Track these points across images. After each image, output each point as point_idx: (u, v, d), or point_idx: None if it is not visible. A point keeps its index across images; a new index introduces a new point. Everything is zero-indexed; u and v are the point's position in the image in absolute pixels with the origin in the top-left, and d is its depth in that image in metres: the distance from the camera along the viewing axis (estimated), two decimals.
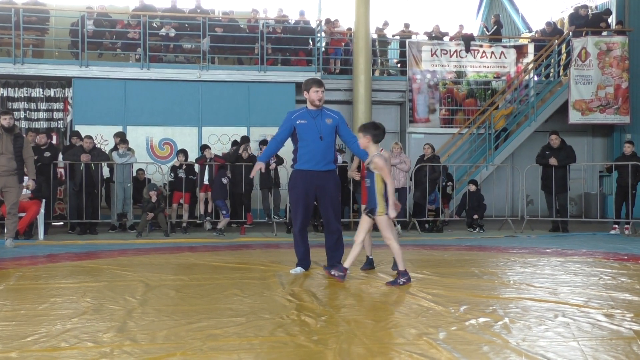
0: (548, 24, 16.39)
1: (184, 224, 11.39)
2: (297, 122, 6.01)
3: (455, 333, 3.62)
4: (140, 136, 13.47)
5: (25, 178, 8.78)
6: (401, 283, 5.31)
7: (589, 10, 15.85)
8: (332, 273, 5.47)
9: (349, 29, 15.37)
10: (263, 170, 6.06)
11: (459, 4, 22.36)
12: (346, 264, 5.56)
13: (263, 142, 12.07)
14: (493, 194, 12.81)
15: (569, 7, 17.34)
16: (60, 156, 11.46)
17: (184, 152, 11.59)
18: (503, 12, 20.07)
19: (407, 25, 16.18)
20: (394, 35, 16.34)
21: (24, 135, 9.29)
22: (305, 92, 6.11)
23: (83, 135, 11.28)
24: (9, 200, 8.56)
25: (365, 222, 5.54)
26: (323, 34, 14.91)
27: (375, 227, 5.58)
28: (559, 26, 16.80)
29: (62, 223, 12.24)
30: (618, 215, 11.26)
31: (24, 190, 9.15)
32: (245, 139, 12.30)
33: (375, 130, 5.44)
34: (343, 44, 15.48)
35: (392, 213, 5.32)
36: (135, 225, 10.98)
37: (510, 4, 20.40)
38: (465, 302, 4.51)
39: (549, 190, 11.54)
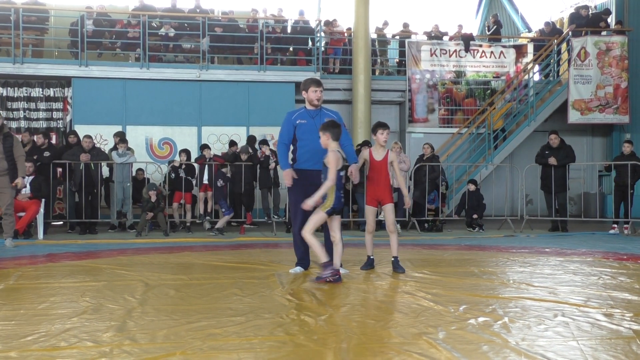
0: (547, 23, 16.39)
1: (188, 224, 11.40)
2: (297, 122, 6.03)
3: (455, 332, 3.62)
4: (139, 136, 13.48)
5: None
6: (323, 276, 5.44)
7: (590, 11, 15.85)
8: (327, 279, 5.46)
9: (349, 29, 15.37)
10: (295, 176, 6.02)
11: (459, 3, 22.39)
12: (335, 266, 5.57)
13: (262, 142, 12.07)
14: (492, 194, 12.82)
15: (569, 6, 17.35)
16: None
17: (186, 151, 11.60)
18: (502, 11, 20.07)
19: (406, 25, 16.19)
20: (393, 35, 16.34)
21: (13, 135, 9.22)
22: (303, 92, 6.12)
23: (82, 135, 11.27)
24: (4, 200, 8.52)
25: (332, 220, 5.60)
26: (322, 34, 14.91)
27: (377, 227, 5.58)
28: (558, 26, 16.80)
29: (61, 223, 12.24)
30: (617, 214, 11.27)
31: (23, 190, 9.13)
32: (252, 139, 12.25)
33: (334, 129, 5.56)
34: (342, 43, 15.48)
35: (307, 203, 5.43)
36: (135, 225, 10.97)
37: (509, 3, 20.40)
38: (464, 302, 4.51)
39: (549, 189, 11.54)
